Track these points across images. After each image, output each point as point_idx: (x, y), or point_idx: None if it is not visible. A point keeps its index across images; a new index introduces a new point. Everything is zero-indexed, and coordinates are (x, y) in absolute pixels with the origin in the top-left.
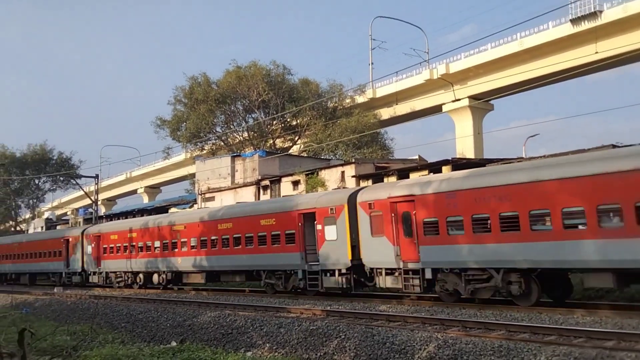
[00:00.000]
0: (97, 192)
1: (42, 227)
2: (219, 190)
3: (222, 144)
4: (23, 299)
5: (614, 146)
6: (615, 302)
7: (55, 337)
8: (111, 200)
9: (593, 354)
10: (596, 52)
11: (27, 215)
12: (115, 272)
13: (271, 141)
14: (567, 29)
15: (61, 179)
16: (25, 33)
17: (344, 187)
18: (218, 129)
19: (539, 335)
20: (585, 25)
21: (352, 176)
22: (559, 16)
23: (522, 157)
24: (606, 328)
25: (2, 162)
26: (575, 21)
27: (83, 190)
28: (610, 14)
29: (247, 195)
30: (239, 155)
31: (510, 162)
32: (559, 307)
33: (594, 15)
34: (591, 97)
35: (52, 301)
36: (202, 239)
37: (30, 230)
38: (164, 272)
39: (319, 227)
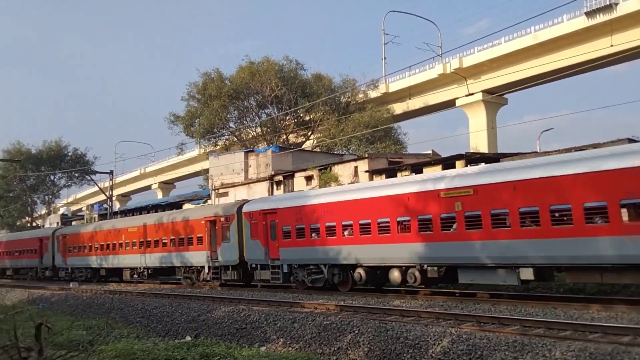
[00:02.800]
0: (111, 188)
1: (57, 223)
2: (233, 185)
3: (236, 139)
4: (40, 294)
5: (629, 140)
6: (631, 298)
7: (72, 331)
8: (125, 196)
9: (609, 349)
10: (611, 45)
11: (43, 211)
12: (306, 265)
13: (284, 136)
14: (582, 22)
15: (76, 175)
16: (38, 30)
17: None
18: (231, 124)
19: (554, 330)
20: (601, 18)
21: (365, 171)
22: (573, 9)
23: (537, 152)
24: (622, 323)
25: (18, 158)
26: (590, 14)
27: (98, 186)
28: (626, 7)
29: (261, 190)
30: (252, 151)
31: (523, 157)
32: (574, 302)
33: (609, 7)
34: (605, 90)
35: (68, 296)
36: (493, 211)
37: (46, 227)
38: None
39: None
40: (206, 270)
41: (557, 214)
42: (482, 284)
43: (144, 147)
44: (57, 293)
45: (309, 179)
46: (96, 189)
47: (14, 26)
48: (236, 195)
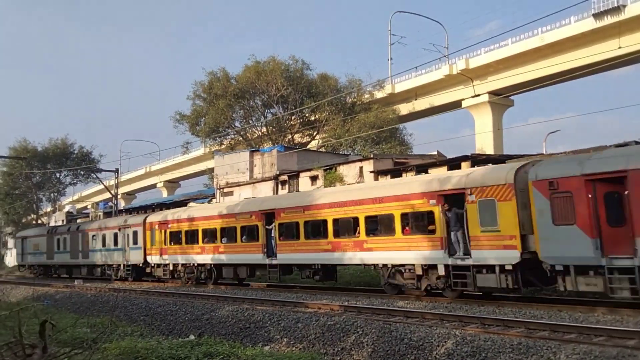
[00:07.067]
0: (117, 186)
1: (62, 221)
2: (238, 185)
3: (241, 138)
4: (44, 291)
5: (636, 143)
6: (636, 301)
7: (76, 329)
8: (131, 194)
9: (614, 352)
10: (619, 47)
11: (48, 209)
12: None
13: (289, 136)
14: (590, 24)
15: (82, 172)
16: (44, 30)
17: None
18: (237, 124)
19: (559, 333)
20: (609, 20)
21: (371, 172)
22: (581, 11)
23: (542, 153)
24: (627, 327)
25: (24, 156)
26: (598, 16)
27: (103, 184)
28: (634, 9)
29: (266, 190)
30: (258, 150)
31: (529, 158)
32: (579, 305)
33: (617, 9)
34: (612, 93)
35: (73, 294)
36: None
37: (52, 225)
38: None
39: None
40: (122, 267)
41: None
42: None
43: (150, 145)
44: (62, 290)
45: (314, 179)
46: (102, 187)
47: (19, 24)
48: (241, 194)
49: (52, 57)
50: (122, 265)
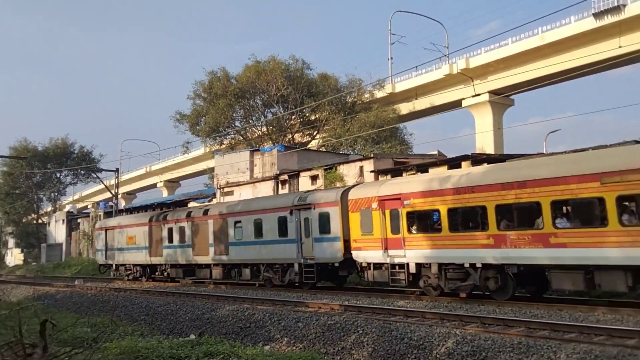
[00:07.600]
0: (117, 185)
1: (63, 221)
2: (238, 184)
3: (241, 138)
4: (45, 290)
5: (636, 142)
6: (637, 300)
7: (76, 329)
8: (131, 194)
9: (614, 352)
10: (619, 47)
11: (49, 209)
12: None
13: (290, 136)
14: (590, 23)
15: (82, 172)
16: (44, 29)
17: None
18: (237, 123)
19: (559, 332)
20: (609, 20)
21: (371, 171)
22: (581, 10)
23: (543, 153)
24: (628, 326)
25: (24, 155)
26: (598, 15)
27: (103, 183)
28: (634, 8)
29: (266, 189)
30: (258, 150)
31: (529, 158)
32: (580, 305)
33: (617, 9)
34: (610, 92)
35: (73, 293)
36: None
37: (52, 224)
38: None
39: None
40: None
41: None
42: None
43: (150, 145)
44: (62, 290)
45: (314, 178)
46: (102, 186)
47: (20, 25)
48: (241, 194)
49: (53, 57)
50: (295, 265)
